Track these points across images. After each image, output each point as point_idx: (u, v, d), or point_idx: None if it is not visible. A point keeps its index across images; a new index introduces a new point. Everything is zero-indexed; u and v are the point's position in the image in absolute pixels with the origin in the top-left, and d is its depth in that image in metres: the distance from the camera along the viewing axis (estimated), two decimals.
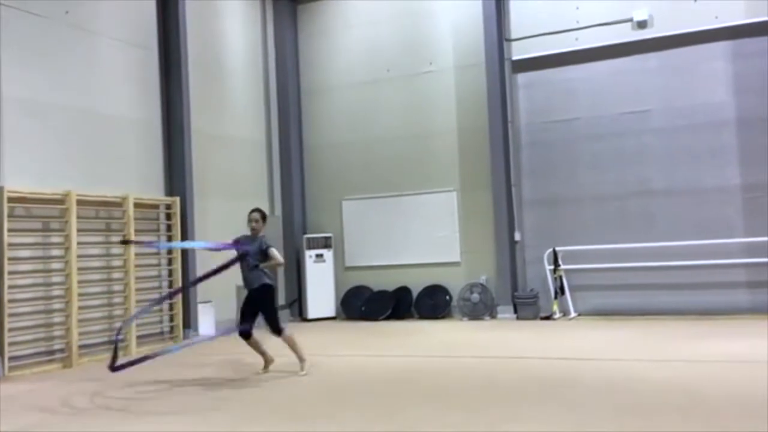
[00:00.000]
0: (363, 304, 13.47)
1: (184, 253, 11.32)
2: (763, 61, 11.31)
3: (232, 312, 12.53)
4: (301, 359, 7.81)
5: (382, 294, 13.46)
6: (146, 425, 5.91)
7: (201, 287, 11.62)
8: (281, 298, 13.86)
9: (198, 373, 8.28)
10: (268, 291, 7.84)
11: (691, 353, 8.12)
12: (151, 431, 5.74)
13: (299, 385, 7.35)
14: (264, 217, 7.96)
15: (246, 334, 7.84)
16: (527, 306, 12.21)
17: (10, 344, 8.64)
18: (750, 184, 11.35)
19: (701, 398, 5.92)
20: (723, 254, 11.32)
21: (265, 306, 7.84)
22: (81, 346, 9.51)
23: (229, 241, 8.20)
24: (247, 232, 7.94)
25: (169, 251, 11.31)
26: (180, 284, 11.11)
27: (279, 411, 6.24)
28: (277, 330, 7.74)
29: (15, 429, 5.88)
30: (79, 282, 9.54)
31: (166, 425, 5.88)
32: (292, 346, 7.82)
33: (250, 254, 7.61)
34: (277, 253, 7.86)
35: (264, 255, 7.74)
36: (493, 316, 12.51)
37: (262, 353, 8.02)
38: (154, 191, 11.25)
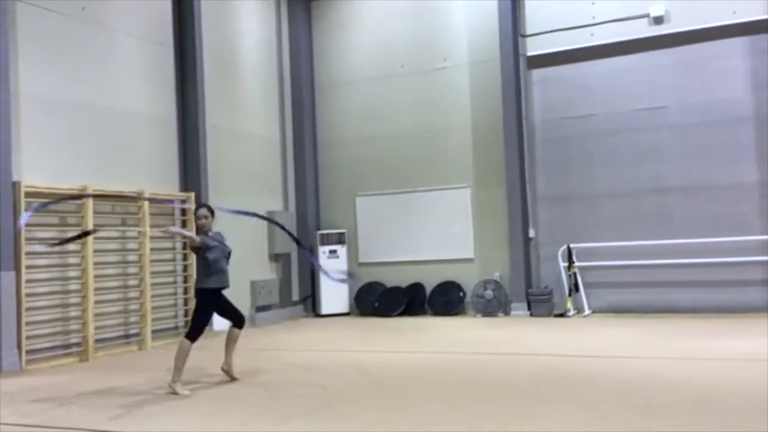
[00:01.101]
0: (376, 300, 13.49)
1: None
2: None
3: (246, 307, 12.61)
4: (174, 376, 6.98)
5: (396, 290, 13.47)
6: (162, 420, 5.95)
7: None
8: (294, 294, 13.93)
9: (204, 371, 8.33)
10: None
11: (705, 351, 8.07)
12: (166, 427, 5.78)
13: (309, 381, 7.37)
14: (211, 210, 7.46)
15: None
16: (541, 303, 12.18)
17: (28, 338, 8.73)
18: (766, 182, 11.25)
19: (715, 397, 5.89)
20: (739, 252, 11.23)
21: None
22: (97, 340, 9.59)
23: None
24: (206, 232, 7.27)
25: (184, 246, 11.36)
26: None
27: (287, 408, 6.26)
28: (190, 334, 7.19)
29: (33, 422, 5.94)
30: (96, 277, 9.62)
31: (175, 420, 5.92)
32: (178, 356, 7.05)
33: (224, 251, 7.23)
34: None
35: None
36: (506, 313, 12.49)
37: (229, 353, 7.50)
38: (169, 187, 11.32)
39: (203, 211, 7.33)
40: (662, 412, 5.46)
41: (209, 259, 7.11)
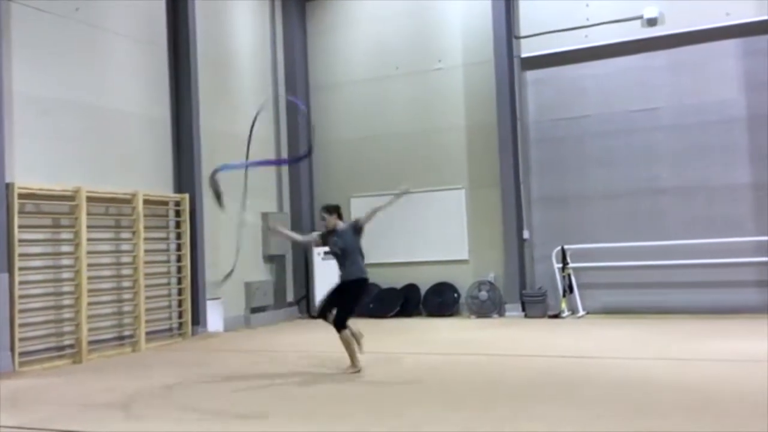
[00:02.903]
0: (371, 301, 13.46)
1: (194, 249, 11.35)
2: None
3: (241, 309, 12.60)
4: (353, 362, 7.61)
5: (390, 291, 13.46)
6: (155, 422, 5.93)
7: (210, 284, 11.69)
8: (289, 296, 13.91)
9: (201, 371, 8.31)
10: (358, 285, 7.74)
11: (700, 352, 8.09)
12: (159, 428, 5.76)
13: (305, 383, 7.36)
14: (327, 209, 7.94)
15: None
16: (535, 304, 12.20)
17: (21, 339, 8.69)
18: (760, 183, 11.29)
19: (710, 397, 5.90)
20: (733, 253, 11.26)
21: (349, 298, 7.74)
22: (90, 342, 9.55)
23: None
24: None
25: (179, 248, 11.34)
26: (189, 281, 11.18)
27: (284, 409, 6.25)
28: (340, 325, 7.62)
29: (26, 424, 5.91)
30: (89, 278, 9.59)
31: (168, 422, 5.91)
32: (346, 346, 7.64)
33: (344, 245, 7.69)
34: (368, 213, 7.68)
35: (357, 237, 7.74)
36: (501, 314, 12.50)
37: (357, 341, 7.81)
38: (163, 188, 11.29)
39: (320, 214, 7.99)
40: (656, 413, 5.47)
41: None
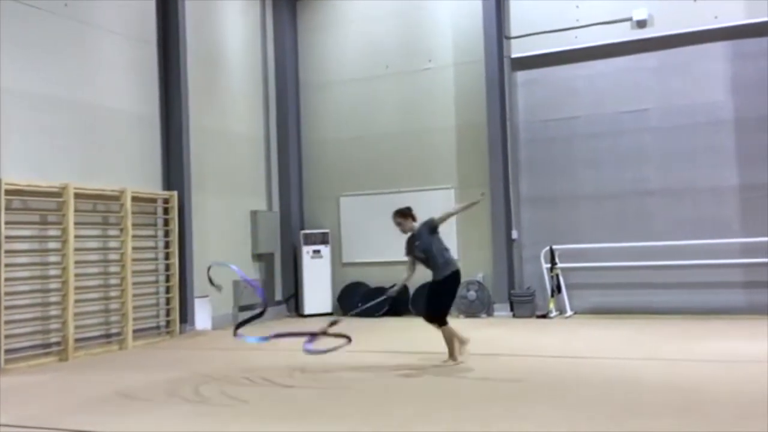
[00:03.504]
0: (360, 300, 13.46)
1: (182, 246, 11.31)
2: (762, 61, 11.32)
3: (229, 307, 12.56)
4: (454, 352, 7.81)
5: (379, 290, 13.43)
6: (142, 420, 5.91)
7: (198, 282, 11.65)
8: (278, 294, 13.89)
9: (188, 369, 8.28)
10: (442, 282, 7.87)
11: (686, 353, 8.14)
12: (146, 427, 5.74)
13: (293, 382, 7.35)
14: (400, 213, 8.05)
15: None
16: (524, 304, 12.23)
17: (7, 337, 8.62)
18: (747, 185, 11.37)
19: (697, 398, 5.94)
20: (719, 254, 11.34)
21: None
22: (77, 340, 9.50)
23: None
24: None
25: (167, 245, 11.30)
26: (177, 278, 11.14)
27: (272, 407, 6.24)
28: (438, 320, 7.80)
29: (12, 421, 5.87)
30: (76, 275, 9.53)
31: (155, 420, 5.88)
32: (449, 340, 7.82)
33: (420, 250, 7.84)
34: (442, 215, 7.89)
35: (434, 235, 7.85)
36: (489, 314, 12.52)
37: (460, 340, 7.94)
38: (151, 185, 11.24)
39: (394, 220, 8.06)
40: (644, 413, 5.50)
41: None
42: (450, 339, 7.83)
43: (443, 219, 7.95)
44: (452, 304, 8.09)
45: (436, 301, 7.89)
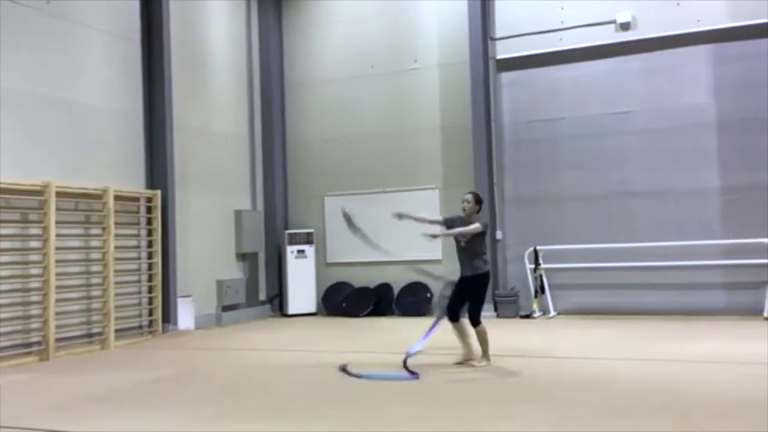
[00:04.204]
0: (344, 300, 13.46)
1: (165, 246, 11.25)
2: (743, 64, 11.43)
3: (212, 306, 12.50)
4: (485, 354, 7.77)
5: (364, 290, 13.45)
6: (124, 420, 5.86)
7: (181, 282, 11.60)
8: (262, 293, 13.84)
9: (171, 369, 8.23)
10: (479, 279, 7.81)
11: (668, 353, 8.19)
12: (127, 427, 5.69)
13: (276, 382, 7.33)
14: (478, 199, 7.92)
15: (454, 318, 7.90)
16: (507, 304, 12.27)
17: None
18: (728, 187, 11.47)
19: (678, 398, 5.97)
20: (701, 255, 11.44)
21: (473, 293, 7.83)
22: (58, 339, 9.41)
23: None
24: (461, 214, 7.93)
25: (150, 244, 11.24)
26: (160, 278, 11.06)
27: (255, 407, 6.21)
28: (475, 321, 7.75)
29: None
30: (58, 274, 9.44)
31: (147, 421, 5.84)
32: (483, 341, 7.79)
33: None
34: (465, 228, 7.70)
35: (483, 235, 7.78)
36: None
37: (467, 344, 7.90)
38: (134, 184, 11.17)
39: (465, 196, 7.89)
40: (626, 413, 5.53)
41: None
42: (484, 339, 7.78)
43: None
44: (484, 303, 8.04)
45: (472, 298, 7.83)
